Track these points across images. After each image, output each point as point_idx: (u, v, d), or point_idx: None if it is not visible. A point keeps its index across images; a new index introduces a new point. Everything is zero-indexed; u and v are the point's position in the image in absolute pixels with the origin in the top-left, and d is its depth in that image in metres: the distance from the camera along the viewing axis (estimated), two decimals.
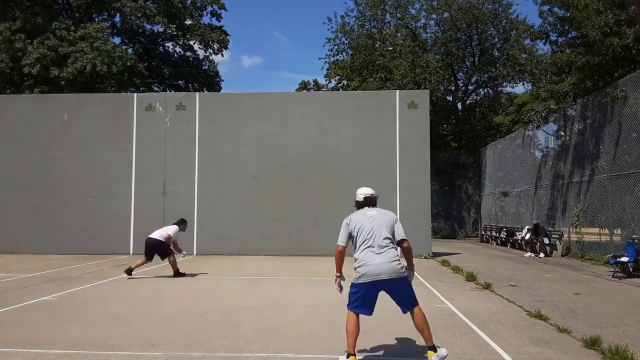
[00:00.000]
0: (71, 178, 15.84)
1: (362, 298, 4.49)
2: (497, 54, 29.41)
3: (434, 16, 29.46)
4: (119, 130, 16.00)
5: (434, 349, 4.46)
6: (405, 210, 15.07)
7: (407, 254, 4.75)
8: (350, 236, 4.70)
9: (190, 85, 33.90)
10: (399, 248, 4.63)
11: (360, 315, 4.53)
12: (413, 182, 15.13)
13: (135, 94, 17.72)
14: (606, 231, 13.60)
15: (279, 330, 5.74)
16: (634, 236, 11.08)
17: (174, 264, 10.43)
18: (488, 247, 20.59)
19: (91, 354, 4.79)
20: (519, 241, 18.49)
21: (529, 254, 16.02)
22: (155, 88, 32.98)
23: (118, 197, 15.67)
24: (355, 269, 4.55)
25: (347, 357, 4.38)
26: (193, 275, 10.74)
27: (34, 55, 24.31)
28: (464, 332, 5.73)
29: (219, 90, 34.93)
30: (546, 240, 15.68)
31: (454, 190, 28.27)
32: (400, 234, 4.66)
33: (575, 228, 15.20)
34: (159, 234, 10.40)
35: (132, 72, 28.18)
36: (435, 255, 15.17)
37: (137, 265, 10.33)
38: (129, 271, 10.24)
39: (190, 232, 15.33)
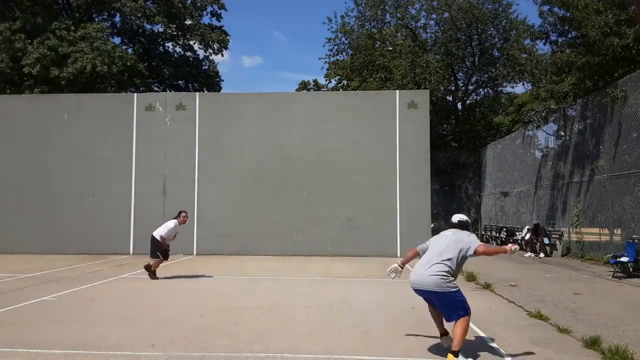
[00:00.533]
0: (71, 178, 15.84)
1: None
2: (497, 54, 29.36)
3: (434, 16, 29.41)
4: (119, 130, 16.00)
5: (455, 354, 4.55)
6: (405, 210, 15.09)
7: (488, 254, 5.10)
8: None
9: (190, 85, 33.88)
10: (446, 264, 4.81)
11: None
12: (413, 182, 15.13)
13: (135, 94, 17.73)
14: (606, 231, 13.59)
15: (279, 330, 5.74)
16: (634, 236, 11.08)
17: (155, 264, 10.11)
18: None
19: (91, 354, 4.79)
20: (519, 241, 18.47)
21: (529, 254, 16.02)
22: (155, 88, 32.96)
23: (118, 197, 15.67)
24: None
25: (440, 336, 5.06)
26: (187, 276, 10.74)
27: (34, 55, 24.29)
28: None
29: (219, 90, 34.91)
30: (546, 240, 15.67)
31: (454, 190, 28.25)
32: (472, 248, 4.87)
33: (575, 228, 15.19)
34: (157, 232, 10.28)
35: (132, 72, 28.17)
36: None
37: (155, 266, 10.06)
38: (148, 267, 9.99)
39: (191, 232, 15.33)
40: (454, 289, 4.73)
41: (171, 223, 10.41)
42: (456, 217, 5.29)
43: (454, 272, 4.81)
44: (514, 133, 22.38)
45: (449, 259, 4.77)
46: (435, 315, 5.08)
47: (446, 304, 4.78)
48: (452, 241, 4.92)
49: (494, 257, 15.87)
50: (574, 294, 8.54)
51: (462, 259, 4.84)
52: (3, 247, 15.38)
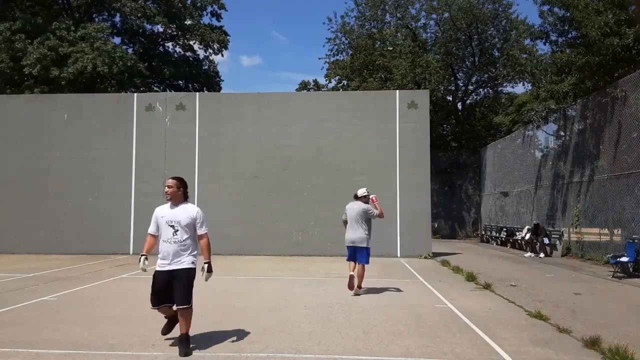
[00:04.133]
0: (71, 178, 15.84)
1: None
2: (497, 54, 29.39)
3: (434, 16, 29.44)
4: (119, 130, 16.00)
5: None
6: (405, 210, 15.07)
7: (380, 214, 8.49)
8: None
9: (190, 85, 33.90)
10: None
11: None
12: (413, 182, 15.12)
13: (135, 94, 17.72)
14: (606, 231, 13.59)
15: (279, 330, 5.74)
16: (634, 236, 11.09)
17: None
18: (488, 247, 20.59)
19: (91, 354, 4.79)
20: (519, 241, 18.49)
21: (529, 254, 16.02)
22: (155, 88, 32.98)
23: (118, 197, 15.67)
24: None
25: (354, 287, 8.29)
26: None
27: (34, 56, 24.29)
28: (464, 332, 5.73)
29: (219, 90, 34.93)
30: (546, 240, 15.68)
31: (454, 190, 28.27)
32: (372, 215, 8.34)
33: (575, 228, 15.20)
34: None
35: (133, 72, 28.18)
36: (435, 255, 15.17)
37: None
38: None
39: None
40: (368, 246, 8.23)
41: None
42: (359, 191, 8.43)
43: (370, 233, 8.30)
44: (514, 133, 22.38)
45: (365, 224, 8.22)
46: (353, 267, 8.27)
47: (361, 255, 8.22)
48: (362, 210, 8.20)
49: (493, 256, 15.93)
50: (574, 294, 8.54)
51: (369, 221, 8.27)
52: (3, 247, 15.38)
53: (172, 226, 4.95)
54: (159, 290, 4.91)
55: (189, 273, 4.93)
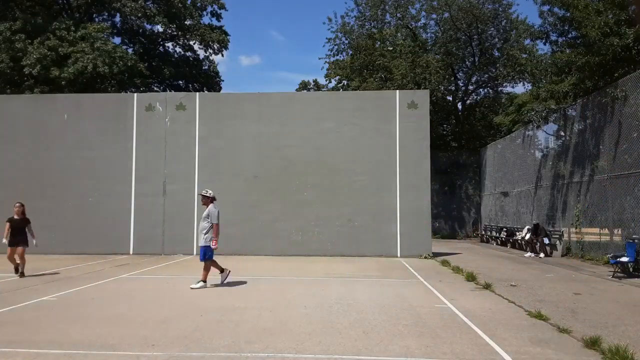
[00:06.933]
0: (71, 178, 15.84)
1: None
2: (497, 54, 29.40)
3: (434, 16, 29.45)
4: (119, 130, 16.01)
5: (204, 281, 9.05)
6: (405, 210, 15.08)
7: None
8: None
9: (190, 85, 33.91)
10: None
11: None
12: (413, 182, 15.13)
13: (135, 94, 17.72)
14: (606, 231, 13.60)
15: (279, 330, 5.74)
16: (634, 236, 11.09)
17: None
18: (488, 247, 20.59)
19: (91, 354, 4.79)
20: (519, 241, 18.49)
21: (529, 254, 16.02)
22: (155, 88, 32.99)
23: (118, 197, 15.67)
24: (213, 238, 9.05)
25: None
26: (187, 276, 10.72)
27: (34, 56, 24.29)
28: (464, 332, 5.73)
29: (219, 90, 34.94)
30: (546, 240, 15.68)
31: (454, 190, 28.27)
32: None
33: (576, 228, 15.20)
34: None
35: (133, 72, 28.18)
36: (435, 255, 15.17)
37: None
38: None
39: (190, 232, 15.32)
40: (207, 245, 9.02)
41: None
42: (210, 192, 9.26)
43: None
44: (514, 133, 22.39)
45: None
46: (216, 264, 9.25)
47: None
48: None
49: (493, 256, 15.93)
50: (574, 294, 8.54)
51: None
52: (3, 247, 15.33)
53: None
54: None
55: None
